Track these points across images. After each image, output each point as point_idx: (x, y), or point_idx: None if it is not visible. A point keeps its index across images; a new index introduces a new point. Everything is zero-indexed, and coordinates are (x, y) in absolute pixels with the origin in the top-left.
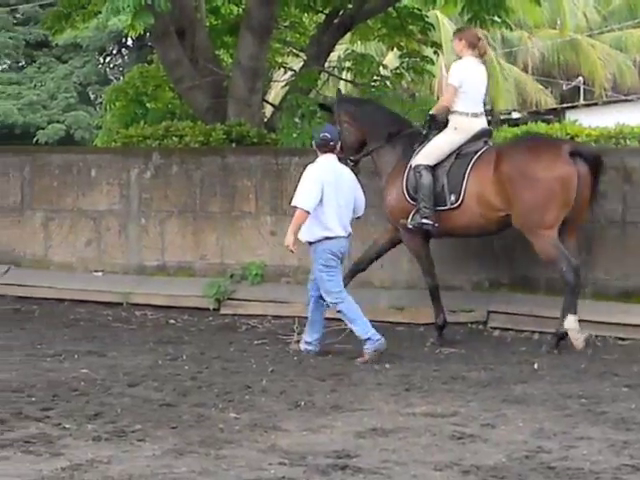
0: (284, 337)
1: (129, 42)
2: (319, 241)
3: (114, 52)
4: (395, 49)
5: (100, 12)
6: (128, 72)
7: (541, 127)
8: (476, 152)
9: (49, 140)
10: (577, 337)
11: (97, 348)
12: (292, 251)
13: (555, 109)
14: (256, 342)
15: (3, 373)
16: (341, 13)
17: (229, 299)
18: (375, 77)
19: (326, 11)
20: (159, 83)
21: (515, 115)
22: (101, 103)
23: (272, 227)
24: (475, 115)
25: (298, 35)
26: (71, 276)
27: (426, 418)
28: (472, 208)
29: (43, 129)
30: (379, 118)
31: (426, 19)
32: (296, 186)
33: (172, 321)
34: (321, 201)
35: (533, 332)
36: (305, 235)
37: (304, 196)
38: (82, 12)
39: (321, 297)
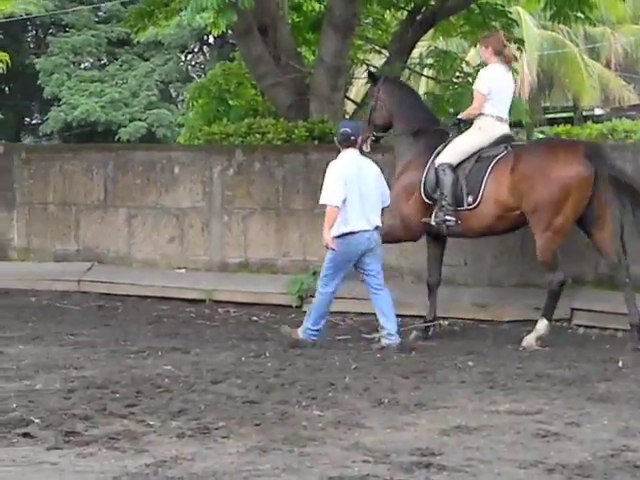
0: (366, 334)
1: (210, 39)
2: (341, 236)
3: (195, 50)
4: (477, 46)
5: (183, 9)
6: (210, 70)
7: (626, 124)
8: (495, 156)
9: (131, 138)
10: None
11: (180, 345)
12: (333, 249)
13: (638, 105)
14: (339, 339)
15: (87, 370)
16: (423, 10)
17: (311, 296)
18: (458, 74)
19: (408, 8)
20: (241, 80)
21: (598, 112)
22: (182, 101)
23: None
24: (500, 119)
25: (380, 32)
26: (154, 273)
27: (510, 416)
28: (489, 210)
29: (125, 127)
30: (413, 109)
31: (509, 15)
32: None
33: (255, 318)
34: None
35: (617, 330)
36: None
37: (330, 193)
38: (165, 10)
39: (375, 287)
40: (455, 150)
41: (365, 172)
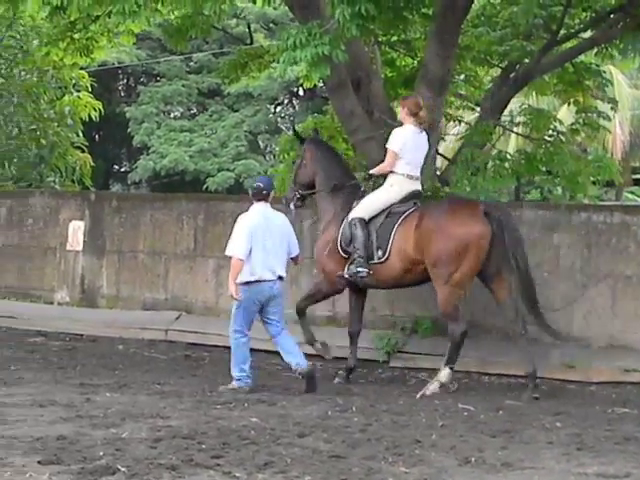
0: (454, 391)
1: (300, 92)
2: (245, 284)
3: (285, 101)
4: (570, 104)
5: (274, 62)
6: (301, 122)
7: None
8: (404, 212)
9: (219, 188)
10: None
11: (266, 397)
12: (237, 299)
13: None
14: (426, 396)
15: (174, 419)
16: (518, 68)
17: (399, 352)
18: (550, 132)
19: (502, 65)
20: (333, 134)
21: None
22: (271, 152)
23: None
24: (410, 177)
25: (473, 88)
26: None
27: (598, 479)
28: (397, 264)
29: (213, 177)
30: (331, 166)
31: (602, 74)
32: None
33: (341, 372)
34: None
35: None
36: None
37: (236, 245)
38: (258, 62)
39: (274, 334)
40: (367, 206)
41: (272, 224)
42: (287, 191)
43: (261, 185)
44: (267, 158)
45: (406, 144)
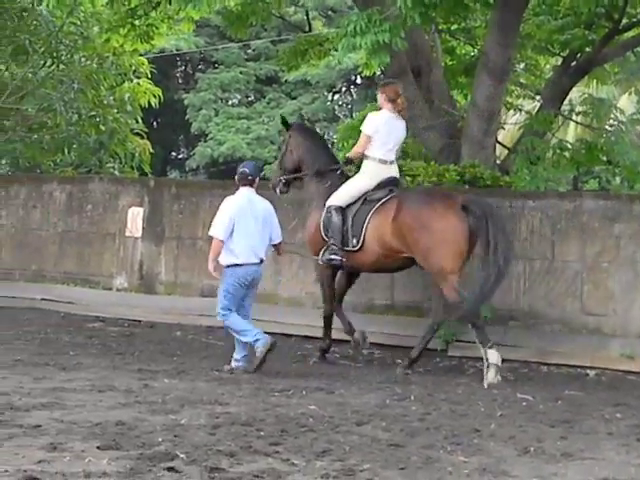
0: (513, 381)
1: (358, 80)
2: (228, 267)
3: (342, 89)
4: (631, 93)
5: (334, 49)
6: (359, 110)
7: None
8: (379, 199)
9: None
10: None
11: (325, 385)
12: (216, 277)
13: None
14: (484, 385)
15: (232, 406)
16: (578, 56)
17: (457, 341)
18: (611, 121)
19: (563, 54)
20: None
21: None
22: (328, 140)
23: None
24: (384, 162)
25: (533, 77)
26: (299, 312)
27: None
28: (373, 250)
29: (270, 164)
30: (316, 152)
31: None
32: (529, 229)
33: (399, 360)
34: (232, 231)
35: None
36: (220, 260)
37: (217, 227)
38: (318, 49)
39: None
40: (344, 193)
41: (256, 209)
42: (272, 177)
43: (247, 170)
44: None
45: (379, 128)
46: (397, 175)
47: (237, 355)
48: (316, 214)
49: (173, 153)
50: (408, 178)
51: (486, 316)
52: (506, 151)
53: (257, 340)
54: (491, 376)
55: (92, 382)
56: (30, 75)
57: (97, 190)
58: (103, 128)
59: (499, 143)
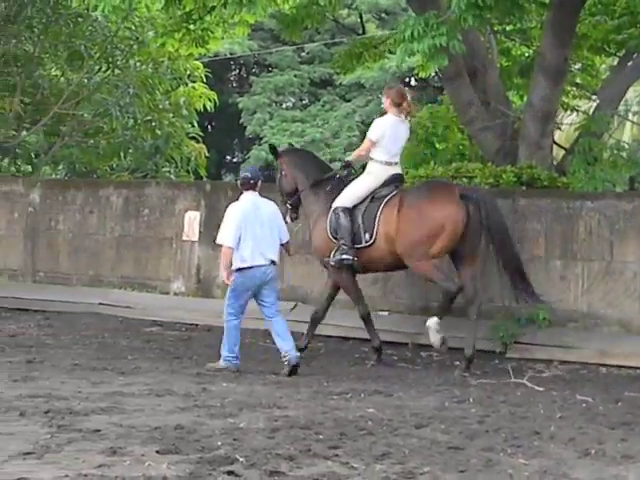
0: (573, 382)
1: (412, 82)
2: (237, 270)
3: None
4: None
5: (389, 52)
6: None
7: None
8: (386, 196)
9: None
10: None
11: (383, 388)
12: (228, 284)
13: None
14: (543, 387)
15: (291, 409)
16: (635, 56)
17: (515, 342)
18: None
19: (619, 54)
20: (448, 124)
21: None
22: None
23: (561, 271)
24: (389, 164)
25: (589, 78)
26: (357, 315)
27: None
28: (382, 245)
29: None
30: (306, 166)
31: None
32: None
33: (457, 362)
34: (240, 236)
35: None
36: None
37: (225, 234)
38: (373, 52)
39: (269, 316)
40: (350, 194)
41: (262, 212)
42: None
43: (249, 175)
44: None
45: (385, 133)
46: (401, 172)
47: (225, 350)
48: (321, 221)
49: (228, 157)
50: (465, 180)
51: (544, 318)
52: (563, 152)
53: (227, 361)
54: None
55: (150, 386)
56: (86, 80)
57: (153, 194)
58: (159, 132)
59: (556, 144)
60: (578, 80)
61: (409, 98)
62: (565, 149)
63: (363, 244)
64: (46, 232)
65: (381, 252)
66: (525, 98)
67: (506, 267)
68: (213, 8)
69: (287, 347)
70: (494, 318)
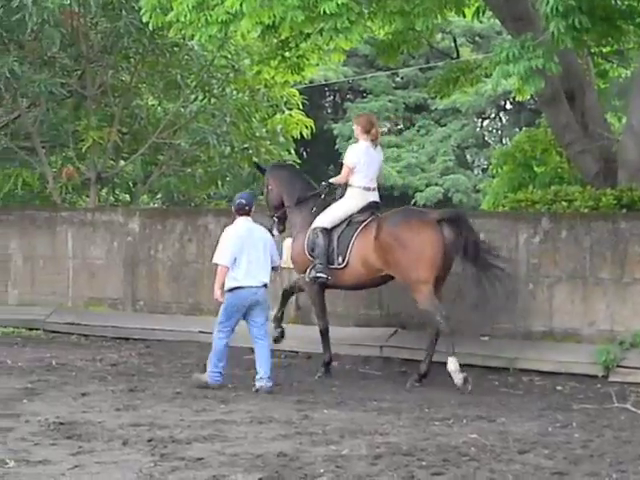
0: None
1: (507, 105)
2: (229, 290)
3: (492, 115)
4: None
5: (484, 76)
6: (509, 136)
7: None
8: (362, 222)
9: (427, 202)
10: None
11: (485, 413)
12: (221, 301)
13: None
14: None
15: (392, 436)
16: None
17: (618, 366)
18: None
19: None
20: (546, 147)
21: None
22: (479, 166)
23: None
24: (367, 189)
25: None
26: (457, 340)
27: None
28: (356, 268)
29: (421, 191)
30: (292, 183)
31: None
32: None
33: (559, 387)
34: (234, 259)
35: None
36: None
37: (221, 255)
38: (470, 76)
39: (257, 336)
40: (329, 215)
41: (255, 236)
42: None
43: (243, 201)
44: (475, 172)
45: (360, 159)
46: (378, 200)
47: (211, 365)
48: (301, 236)
49: (323, 183)
50: (564, 203)
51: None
52: None
53: (210, 372)
54: (458, 382)
55: (252, 414)
56: (182, 109)
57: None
58: (256, 160)
59: None
60: None
61: (378, 126)
62: None
63: (335, 266)
64: (145, 261)
65: (353, 274)
66: (624, 120)
67: (489, 282)
68: (309, 35)
69: (262, 374)
70: (596, 342)
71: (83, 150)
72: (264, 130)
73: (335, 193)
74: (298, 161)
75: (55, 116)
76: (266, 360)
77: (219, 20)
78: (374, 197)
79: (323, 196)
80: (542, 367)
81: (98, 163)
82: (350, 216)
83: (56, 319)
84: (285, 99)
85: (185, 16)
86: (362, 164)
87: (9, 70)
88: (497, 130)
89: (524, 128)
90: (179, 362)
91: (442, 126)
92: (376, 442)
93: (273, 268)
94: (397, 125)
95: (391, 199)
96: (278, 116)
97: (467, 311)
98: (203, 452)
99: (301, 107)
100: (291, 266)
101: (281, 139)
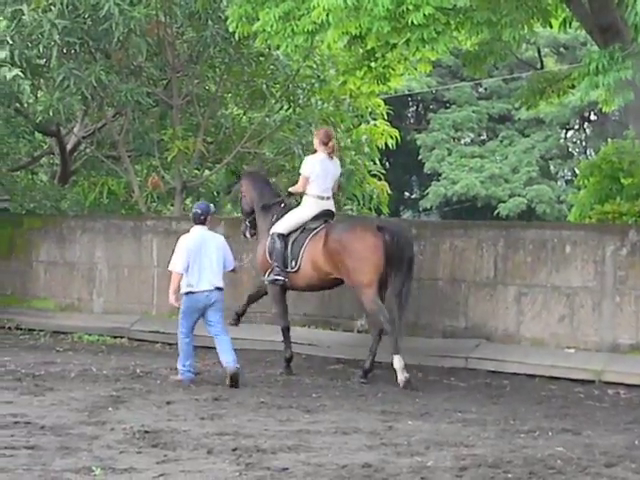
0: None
1: (592, 116)
2: (185, 294)
3: (576, 126)
4: None
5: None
6: (594, 147)
7: None
8: (315, 229)
9: (510, 213)
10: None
11: (570, 426)
12: (176, 306)
13: None
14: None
15: (478, 448)
16: None
17: None
18: None
19: None
20: (634, 158)
21: None
22: (563, 177)
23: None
24: (321, 198)
25: None
26: (542, 352)
27: None
28: (308, 272)
29: (505, 202)
30: (261, 191)
31: None
32: None
33: None
34: (188, 265)
35: None
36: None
37: (176, 262)
38: (557, 87)
39: (215, 334)
40: (286, 222)
41: (208, 244)
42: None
43: (199, 211)
44: (559, 183)
45: (315, 170)
46: (332, 208)
47: (180, 364)
48: (264, 241)
49: (406, 193)
50: None
51: None
52: None
53: (181, 369)
54: (400, 378)
55: (336, 424)
56: (267, 119)
57: None
58: (341, 170)
59: None
60: None
61: (335, 139)
62: None
63: (289, 269)
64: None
65: (306, 277)
66: None
67: (396, 295)
68: (395, 46)
69: (227, 359)
70: None
71: (168, 159)
72: (349, 140)
73: (294, 202)
74: (383, 171)
75: (141, 125)
76: (228, 351)
77: (305, 30)
78: (329, 206)
79: (283, 204)
80: (628, 380)
81: (183, 172)
82: (305, 223)
83: (141, 327)
84: (370, 109)
85: (271, 26)
86: (317, 174)
87: (96, 79)
88: (581, 141)
89: (609, 140)
90: (263, 372)
91: (526, 137)
92: (461, 454)
93: (232, 270)
94: (480, 136)
95: (474, 210)
96: (363, 126)
97: (553, 324)
98: (288, 462)
99: (385, 117)
100: None
101: (366, 149)
